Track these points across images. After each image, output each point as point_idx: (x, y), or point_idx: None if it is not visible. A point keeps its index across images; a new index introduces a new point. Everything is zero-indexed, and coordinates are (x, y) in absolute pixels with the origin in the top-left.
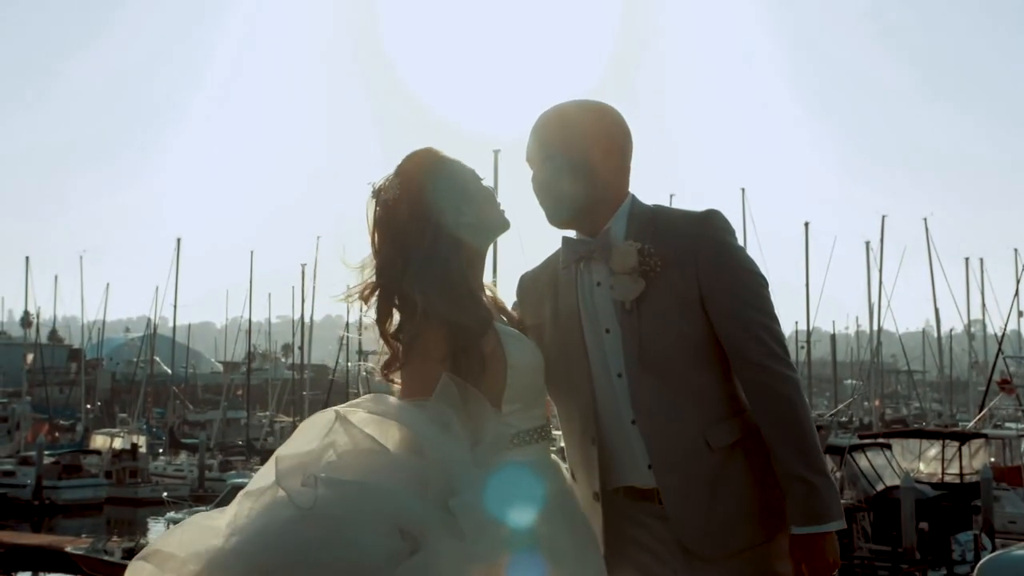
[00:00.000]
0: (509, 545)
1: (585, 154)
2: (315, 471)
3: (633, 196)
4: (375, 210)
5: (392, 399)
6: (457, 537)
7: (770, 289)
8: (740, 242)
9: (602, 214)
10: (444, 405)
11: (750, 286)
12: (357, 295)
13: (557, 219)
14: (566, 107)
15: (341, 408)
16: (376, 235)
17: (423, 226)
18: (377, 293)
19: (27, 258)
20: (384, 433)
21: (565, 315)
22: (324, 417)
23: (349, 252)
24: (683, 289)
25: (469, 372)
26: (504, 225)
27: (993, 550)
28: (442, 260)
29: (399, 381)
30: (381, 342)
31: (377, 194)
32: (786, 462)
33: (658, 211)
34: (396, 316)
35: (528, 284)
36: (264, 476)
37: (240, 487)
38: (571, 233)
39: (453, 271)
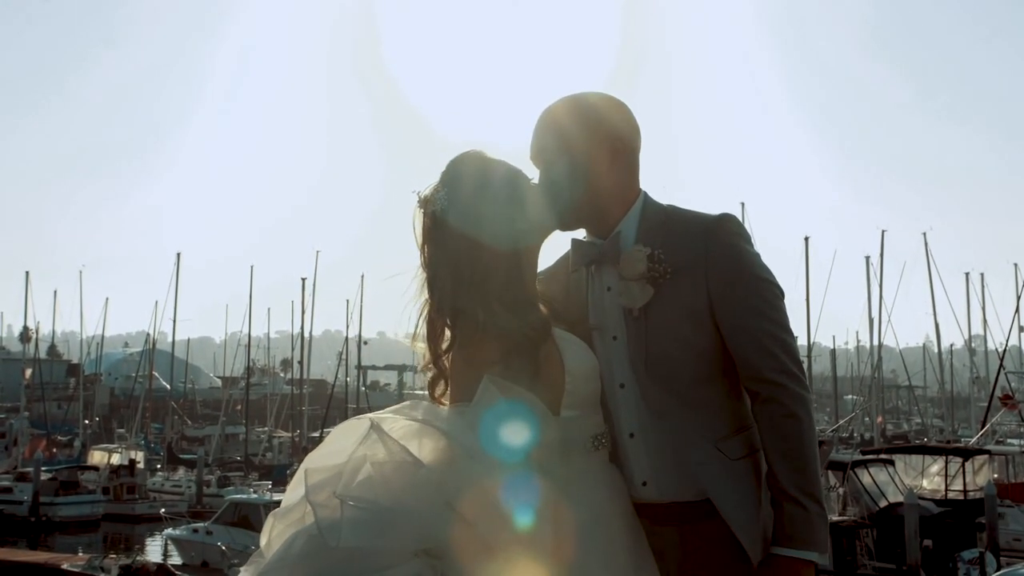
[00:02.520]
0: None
1: (591, 154)
2: (346, 487)
3: (645, 194)
4: (424, 222)
5: (432, 405)
6: (482, 551)
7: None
8: (762, 259)
9: (612, 215)
10: (484, 409)
11: (763, 295)
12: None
13: (563, 223)
14: (569, 103)
15: (380, 415)
16: (426, 248)
17: (477, 237)
18: (428, 308)
19: (27, 272)
20: (420, 442)
21: (575, 320)
22: (359, 425)
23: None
24: (692, 297)
25: (521, 378)
26: (555, 223)
27: (998, 568)
28: (499, 270)
29: (447, 401)
30: (429, 360)
31: (424, 204)
32: (783, 480)
33: (671, 212)
34: (447, 332)
35: (542, 284)
36: (294, 491)
37: (239, 503)
38: (581, 234)
39: (512, 281)
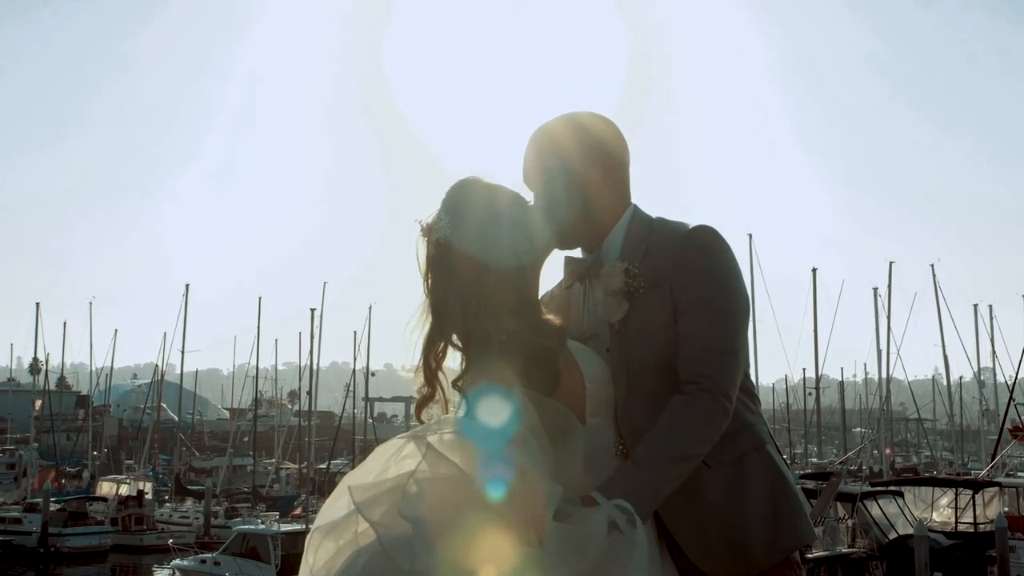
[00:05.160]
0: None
1: (583, 173)
2: (408, 504)
3: (634, 208)
4: (428, 250)
5: (466, 421)
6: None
7: (746, 316)
8: (731, 271)
9: (603, 231)
10: (520, 425)
11: (715, 305)
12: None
13: (561, 241)
14: (559, 123)
15: (417, 431)
16: (430, 276)
17: (482, 260)
18: (430, 331)
19: (37, 304)
20: (462, 457)
21: (575, 335)
22: (399, 442)
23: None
24: (662, 309)
25: (543, 389)
26: (555, 242)
27: None
28: (507, 290)
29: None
30: (421, 382)
31: (428, 232)
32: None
33: (656, 225)
34: (451, 354)
35: (546, 303)
36: (335, 507)
37: (246, 534)
38: (576, 250)
39: (520, 298)
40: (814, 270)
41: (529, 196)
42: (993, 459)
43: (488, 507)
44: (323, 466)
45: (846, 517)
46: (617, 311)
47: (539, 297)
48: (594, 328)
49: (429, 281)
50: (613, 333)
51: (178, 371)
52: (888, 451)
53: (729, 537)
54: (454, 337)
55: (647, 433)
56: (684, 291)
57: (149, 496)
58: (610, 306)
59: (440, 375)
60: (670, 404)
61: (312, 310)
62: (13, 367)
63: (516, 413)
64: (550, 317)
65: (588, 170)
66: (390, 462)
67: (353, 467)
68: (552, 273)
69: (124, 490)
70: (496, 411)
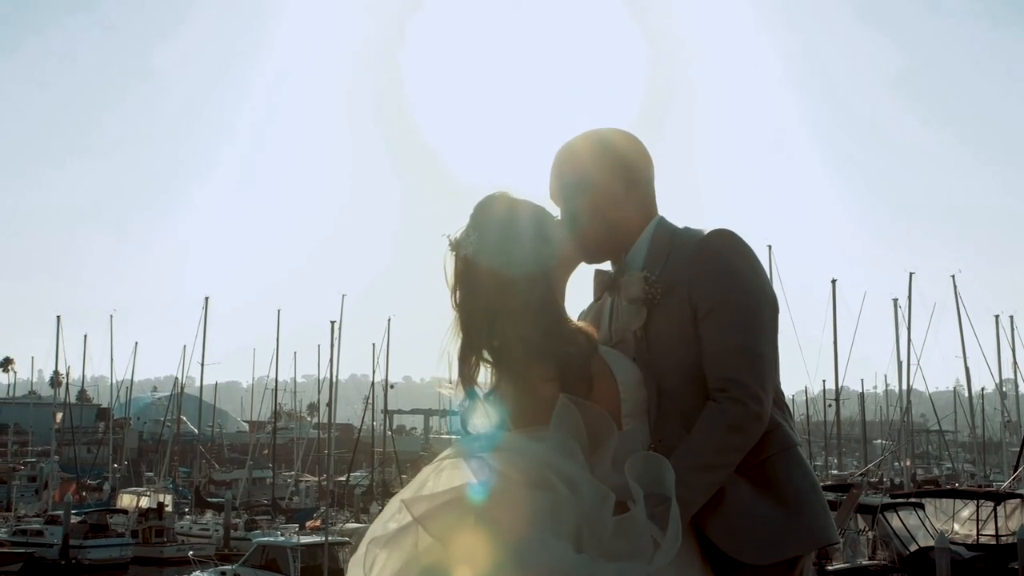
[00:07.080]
0: None
1: (607, 188)
2: (457, 516)
3: (660, 219)
4: (456, 265)
5: (508, 433)
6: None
7: (771, 317)
8: (749, 272)
9: (627, 243)
10: (563, 432)
11: (741, 306)
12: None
13: (587, 256)
14: (583, 140)
15: (461, 447)
16: (459, 290)
17: (509, 275)
18: (461, 347)
19: (58, 317)
20: (511, 469)
21: (604, 344)
22: (443, 461)
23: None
24: (680, 314)
25: (576, 395)
26: (581, 256)
27: None
28: (533, 304)
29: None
30: (462, 396)
31: (456, 247)
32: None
33: (677, 234)
34: (482, 369)
35: (582, 316)
36: (383, 521)
37: (266, 546)
38: (605, 264)
39: (547, 311)
40: (834, 281)
41: (556, 212)
42: (1015, 471)
43: (541, 517)
44: (342, 478)
45: (867, 529)
46: (637, 319)
47: (570, 310)
48: (621, 336)
49: (457, 296)
50: (636, 340)
51: (198, 384)
52: (909, 463)
53: (759, 527)
54: (484, 352)
55: (680, 442)
56: (703, 296)
57: (169, 508)
58: (631, 314)
59: (477, 388)
60: (701, 415)
61: (332, 322)
62: (34, 380)
63: (556, 419)
64: (580, 325)
65: (610, 185)
66: (429, 477)
67: (372, 479)
68: (585, 291)
69: (144, 502)
70: (524, 420)
